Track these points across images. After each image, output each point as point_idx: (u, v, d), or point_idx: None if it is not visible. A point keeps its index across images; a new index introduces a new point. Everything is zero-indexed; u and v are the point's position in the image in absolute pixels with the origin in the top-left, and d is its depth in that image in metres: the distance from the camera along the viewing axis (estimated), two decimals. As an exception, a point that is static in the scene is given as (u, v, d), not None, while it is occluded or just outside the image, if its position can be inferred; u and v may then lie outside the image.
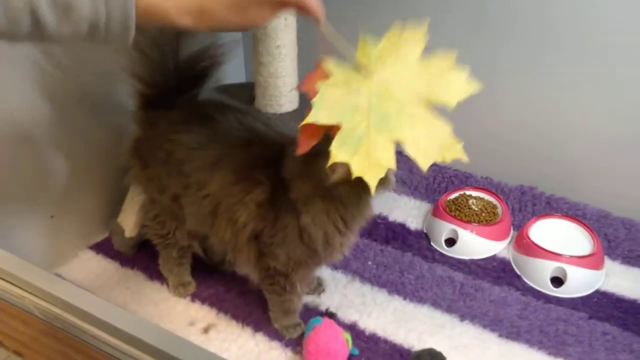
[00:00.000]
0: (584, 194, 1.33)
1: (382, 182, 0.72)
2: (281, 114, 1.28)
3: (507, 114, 1.35)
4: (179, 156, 0.96)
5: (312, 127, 0.67)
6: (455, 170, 1.46)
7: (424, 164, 0.69)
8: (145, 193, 1.10)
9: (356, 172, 0.66)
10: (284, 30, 1.19)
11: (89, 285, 1.17)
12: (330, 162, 0.66)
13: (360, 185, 0.68)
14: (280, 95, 1.27)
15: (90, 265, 1.24)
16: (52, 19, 0.60)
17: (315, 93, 0.67)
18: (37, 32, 0.60)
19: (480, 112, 1.38)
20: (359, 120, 0.67)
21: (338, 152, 0.65)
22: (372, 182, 0.67)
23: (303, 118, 1.12)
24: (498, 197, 1.34)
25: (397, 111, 0.69)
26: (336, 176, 0.78)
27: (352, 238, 0.95)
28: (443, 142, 0.70)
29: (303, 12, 0.70)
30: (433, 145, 0.70)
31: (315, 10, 0.69)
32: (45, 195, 1.16)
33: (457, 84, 0.71)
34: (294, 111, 1.30)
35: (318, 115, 0.66)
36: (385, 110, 0.68)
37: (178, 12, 0.66)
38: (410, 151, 0.69)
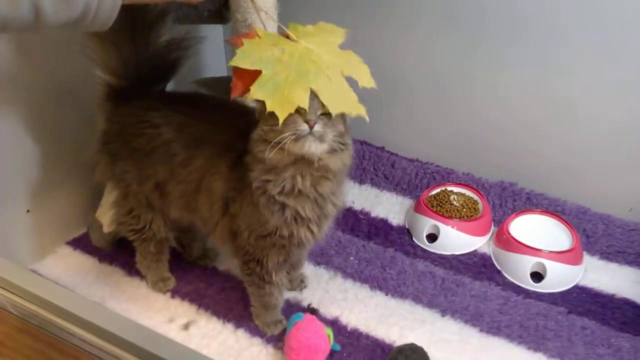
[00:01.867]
0: (563, 190, 1.34)
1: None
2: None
3: (488, 112, 1.35)
4: (166, 138, 0.95)
5: (242, 72, 0.76)
6: (437, 166, 1.46)
7: (333, 109, 0.78)
8: (116, 189, 1.07)
9: (269, 107, 0.75)
10: (265, 22, 1.17)
11: (66, 281, 1.15)
12: (249, 97, 0.76)
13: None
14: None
15: (68, 261, 1.21)
16: (50, 4, 0.61)
17: (241, 45, 0.78)
18: (35, 18, 0.61)
19: (462, 110, 1.39)
20: (279, 71, 0.77)
21: (256, 91, 0.75)
22: (282, 116, 0.75)
23: None
24: (479, 192, 1.34)
25: (315, 71, 0.78)
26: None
27: (297, 207, 0.88)
28: (351, 103, 0.80)
29: None
30: (343, 101, 0.79)
31: None
32: (21, 189, 1.13)
33: (365, 75, 0.83)
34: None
35: (240, 61, 0.76)
36: (306, 68, 0.78)
37: None
38: (323, 99, 0.78)
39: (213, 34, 1.48)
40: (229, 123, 0.94)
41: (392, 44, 1.38)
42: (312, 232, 0.92)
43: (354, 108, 0.80)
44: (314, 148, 0.80)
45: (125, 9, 0.76)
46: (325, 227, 0.95)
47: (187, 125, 0.95)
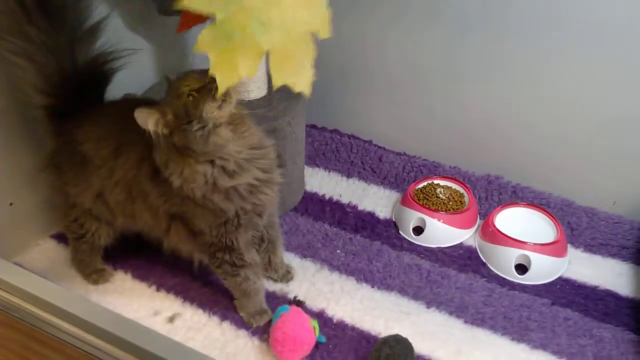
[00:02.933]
0: (549, 184, 1.35)
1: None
2: (250, 101, 1.27)
3: (474, 107, 1.36)
4: (90, 153, 0.97)
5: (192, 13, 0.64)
6: (424, 160, 1.47)
7: (276, 81, 0.67)
8: (64, 199, 1.06)
9: (212, 68, 0.65)
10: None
11: (50, 274, 1.14)
12: (194, 50, 0.64)
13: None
14: (249, 82, 1.25)
15: (52, 254, 1.21)
16: None
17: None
18: None
19: (448, 105, 1.39)
20: (234, 11, 0.63)
21: (203, 42, 0.64)
22: (222, 86, 0.66)
23: (272, 105, 1.12)
24: (465, 186, 1.35)
25: (279, 21, 0.65)
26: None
27: (248, 179, 0.90)
28: (306, 73, 0.68)
29: None
30: (293, 71, 0.67)
31: None
32: (3, 182, 1.12)
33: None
34: (262, 98, 1.28)
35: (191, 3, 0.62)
36: (267, 16, 0.64)
37: None
38: (272, 68, 0.66)
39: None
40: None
41: (377, 37, 1.38)
42: (269, 189, 0.94)
43: (304, 80, 0.68)
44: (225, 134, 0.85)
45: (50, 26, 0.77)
46: (275, 174, 0.96)
47: (104, 138, 0.96)
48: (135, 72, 1.09)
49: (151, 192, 0.93)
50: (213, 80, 0.71)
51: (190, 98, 0.82)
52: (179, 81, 0.84)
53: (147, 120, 0.82)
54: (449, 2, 1.26)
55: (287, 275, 1.15)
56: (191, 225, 0.94)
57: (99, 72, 1.03)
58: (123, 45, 1.03)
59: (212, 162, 0.87)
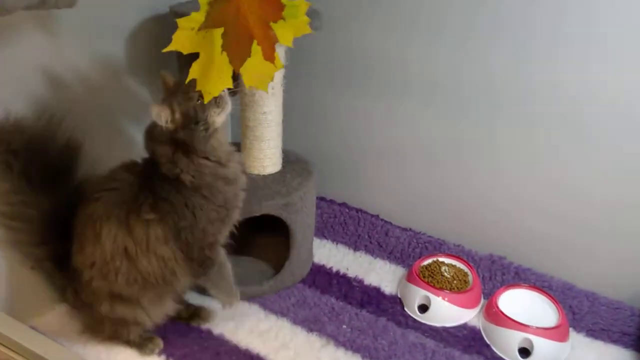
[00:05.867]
0: (551, 266, 1.39)
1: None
2: (264, 175, 1.33)
3: (477, 185, 1.42)
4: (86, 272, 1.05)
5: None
6: (430, 236, 1.51)
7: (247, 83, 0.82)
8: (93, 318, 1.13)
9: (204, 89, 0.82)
10: (270, 99, 1.25)
11: (64, 339, 1.16)
12: (188, 79, 0.81)
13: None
14: (265, 157, 1.32)
15: (66, 319, 1.22)
16: None
17: None
18: None
19: (452, 182, 1.45)
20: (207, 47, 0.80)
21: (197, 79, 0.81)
22: (215, 93, 0.82)
23: (285, 181, 1.22)
24: (469, 265, 1.39)
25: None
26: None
27: (235, 168, 1.08)
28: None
29: None
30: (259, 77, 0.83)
31: None
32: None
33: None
34: (277, 173, 1.34)
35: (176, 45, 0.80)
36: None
37: None
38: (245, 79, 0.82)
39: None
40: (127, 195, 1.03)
41: (386, 116, 1.47)
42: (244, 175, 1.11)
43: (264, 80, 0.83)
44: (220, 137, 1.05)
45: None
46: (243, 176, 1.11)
47: (85, 243, 1.04)
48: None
49: (148, 230, 1.01)
50: None
51: (199, 102, 0.97)
52: (188, 86, 0.95)
53: (160, 114, 0.95)
54: (451, 84, 1.34)
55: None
56: (184, 239, 1.03)
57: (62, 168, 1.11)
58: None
59: (207, 157, 1.02)
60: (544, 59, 1.21)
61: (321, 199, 1.63)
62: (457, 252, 1.45)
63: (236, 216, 1.10)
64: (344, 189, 1.64)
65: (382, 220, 1.57)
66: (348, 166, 1.61)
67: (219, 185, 1.04)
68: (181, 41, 0.79)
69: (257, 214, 1.23)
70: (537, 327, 1.19)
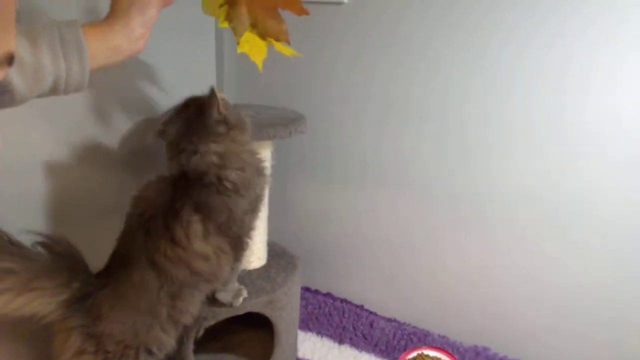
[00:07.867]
0: (535, 356, 1.39)
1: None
2: (250, 271, 1.34)
3: (459, 276, 1.44)
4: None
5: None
6: (414, 327, 1.52)
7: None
8: None
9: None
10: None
11: None
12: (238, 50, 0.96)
13: None
14: (251, 253, 1.34)
15: None
16: (22, 84, 0.67)
17: None
18: (10, 97, 0.68)
19: (434, 273, 1.47)
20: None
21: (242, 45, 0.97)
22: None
23: (270, 276, 1.24)
24: (453, 357, 1.39)
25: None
26: None
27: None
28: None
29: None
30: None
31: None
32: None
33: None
34: (261, 268, 1.36)
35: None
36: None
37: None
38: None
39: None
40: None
41: (370, 206, 1.51)
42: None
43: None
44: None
45: None
46: None
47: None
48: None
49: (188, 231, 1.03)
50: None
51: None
52: (233, 109, 1.07)
53: (222, 97, 1.04)
54: (437, 176, 1.40)
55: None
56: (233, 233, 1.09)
57: None
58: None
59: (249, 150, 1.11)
60: (538, 158, 1.28)
61: (306, 289, 1.64)
62: (442, 344, 1.45)
63: (262, 206, 1.17)
64: (328, 278, 1.65)
65: (366, 310, 1.58)
66: (332, 256, 1.63)
67: (254, 179, 1.10)
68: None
69: (241, 313, 1.23)
70: None
